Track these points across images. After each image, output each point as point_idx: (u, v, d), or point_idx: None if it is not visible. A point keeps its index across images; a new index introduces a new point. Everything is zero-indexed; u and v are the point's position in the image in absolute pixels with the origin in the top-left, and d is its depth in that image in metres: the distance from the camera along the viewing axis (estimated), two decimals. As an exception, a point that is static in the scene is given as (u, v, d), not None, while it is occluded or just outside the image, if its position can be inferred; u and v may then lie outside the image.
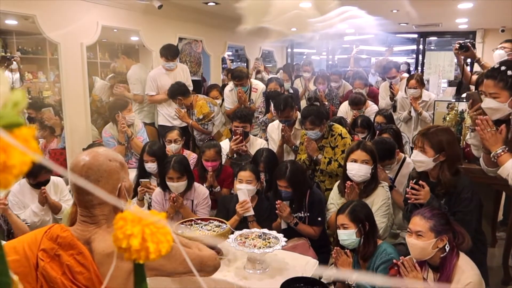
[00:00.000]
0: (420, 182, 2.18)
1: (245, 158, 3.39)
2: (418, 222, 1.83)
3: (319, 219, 2.66)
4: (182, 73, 4.39)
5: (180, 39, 5.32)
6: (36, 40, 5.22)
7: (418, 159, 2.20)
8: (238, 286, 1.87)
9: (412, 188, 2.19)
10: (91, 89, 4.79)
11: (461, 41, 3.09)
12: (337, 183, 2.77)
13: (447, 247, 1.80)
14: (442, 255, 1.81)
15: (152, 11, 4.45)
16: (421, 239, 1.80)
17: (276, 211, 2.55)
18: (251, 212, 2.57)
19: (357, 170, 2.50)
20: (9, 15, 4.10)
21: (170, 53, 4.24)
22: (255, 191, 2.71)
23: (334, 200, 2.69)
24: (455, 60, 5.34)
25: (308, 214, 2.66)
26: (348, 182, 2.52)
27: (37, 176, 2.93)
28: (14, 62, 5.14)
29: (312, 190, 2.74)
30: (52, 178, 3.12)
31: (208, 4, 5.02)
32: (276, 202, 2.55)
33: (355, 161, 2.51)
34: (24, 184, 3.02)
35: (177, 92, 3.98)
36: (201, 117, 4.03)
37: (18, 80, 5.53)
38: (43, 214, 3.00)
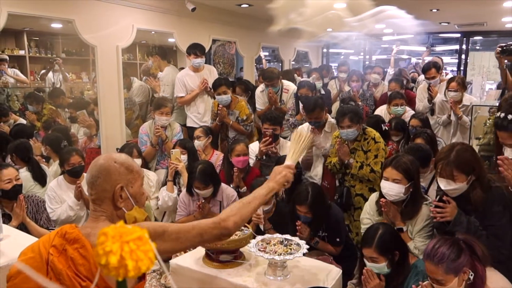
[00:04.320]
0: (445, 198, 2.03)
1: (275, 160, 3.37)
2: (432, 269, 1.68)
3: (338, 239, 2.58)
4: (210, 74, 4.36)
5: (214, 40, 5.37)
6: (79, 42, 5.47)
7: (451, 188, 2.03)
8: (257, 292, 1.85)
9: (437, 206, 2.05)
10: (129, 89, 4.95)
11: (503, 44, 2.89)
12: (373, 195, 2.59)
13: (471, 275, 1.65)
14: (470, 282, 1.67)
15: (185, 13, 4.52)
16: (443, 285, 1.66)
17: (297, 234, 2.46)
18: (261, 224, 2.61)
19: (388, 189, 2.29)
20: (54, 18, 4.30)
21: (198, 49, 4.20)
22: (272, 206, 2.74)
23: (371, 215, 2.51)
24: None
25: (326, 234, 2.59)
26: (382, 199, 2.34)
27: (69, 159, 3.04)
28: (57, 65, 5.42)
29: (330, 211, 2.64)
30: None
31: (241, 5, 5.04)
32: (297, 223, 2.49)
33: (387, 179, 2.31)
34: (61, 180, 3.16)
35: (224, 81, 3.96)
36: (245, 117, 4.02)
37: (61, 80, 5.82)
38: (78, 209, 3.11)
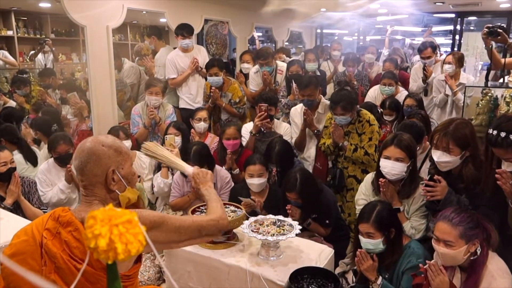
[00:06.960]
0: (436, 177, 2.03)
1: (269, 135, 3.37)
2: (445, 229, 1.69)
3: (327, 222, 2.59)
4: (199, 53, 4.30)
5: (206, 20, 5.26)
6: (69, 22, 5.33)
7: (444, 160, 2.04)
8: (250, 272, 1.87)
9: (427, 186, 2.06)
10: (120, 71, 4.87)
11: (490, 25, 2.86)
12: (369, 175, 2.58)
13: (479, 250, 1.68)
14: (472, 258, 1.70)
15: (177, -8, 4.42)
16: (451, 248, 1.67)
17: (289, 216, 2.45)
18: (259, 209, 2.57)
19: (390, 168, 2.25)
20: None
21: (186, 30, 4.13)
22: (266, 182, 2.71)
23: (366, 196, 2.50)
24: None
25: (315, 216, 2.59)
26: (381, 179, 2.30)
27: (56, 147, 3.04)
28: (46, 46, 5.31)
29: (322, 194, 2.64)
30: (77, 156, 3.22)
31: (234, -16, 4.93)
32: (287, 207, 2.48)
33: (388, 158, 2.27)
34: (51, 163, 3.14)
35: (217, 63, 3.91)
36: (237, 100, 3.99)
37: (52, 61, 5.72)
38: (69, 192, 3.10)
